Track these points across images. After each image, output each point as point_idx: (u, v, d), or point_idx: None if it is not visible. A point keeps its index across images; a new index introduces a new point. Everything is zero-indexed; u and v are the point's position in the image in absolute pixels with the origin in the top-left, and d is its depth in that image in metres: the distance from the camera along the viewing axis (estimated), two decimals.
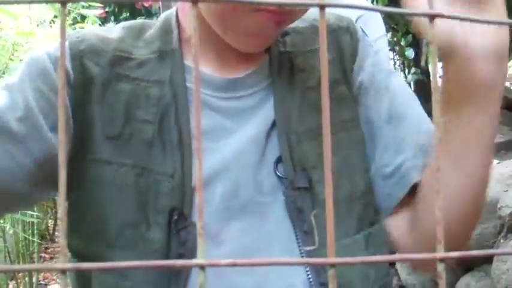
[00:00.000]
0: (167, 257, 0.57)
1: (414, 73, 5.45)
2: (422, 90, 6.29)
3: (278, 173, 0.62)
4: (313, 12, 0.70)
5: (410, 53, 5.08)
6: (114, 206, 0.59)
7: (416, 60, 5.69)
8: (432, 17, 0.22)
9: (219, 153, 0.61)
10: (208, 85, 0.64)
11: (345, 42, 0.69)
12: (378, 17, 1.32)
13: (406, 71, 5.06)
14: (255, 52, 0.64)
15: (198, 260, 0.19)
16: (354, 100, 0.68)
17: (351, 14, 1.13)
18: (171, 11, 0.67)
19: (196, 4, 0.21)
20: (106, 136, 0.60)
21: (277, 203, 0.61)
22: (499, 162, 2.88)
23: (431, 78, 0.21)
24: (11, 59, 2.75)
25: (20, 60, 2.79)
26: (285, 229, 0.61)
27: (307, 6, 0.21)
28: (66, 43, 0.61)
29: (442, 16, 0.23)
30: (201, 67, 0.64)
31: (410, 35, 4.55)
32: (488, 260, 2.04)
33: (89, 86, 0.61)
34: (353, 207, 0.63)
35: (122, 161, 0.60)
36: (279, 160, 0.62)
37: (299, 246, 0.60)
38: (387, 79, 0.69)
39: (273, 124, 0.63)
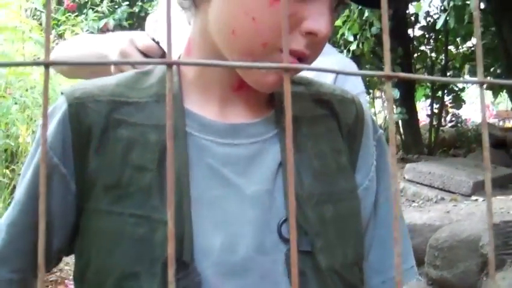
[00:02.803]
0: None
1: (400, 113, 5.58)
2: (408, 128, 6.40)
3: (283, 234, 0.61)
4: (316, 85, 0.71)
5: (395, 93, 5.18)
6: (113, 258, 0.59)
7: (401, 100, 5.82)
8: (388, 78, 0.24)
9: (218, 205, 0.61)
10: (209, 130, 0.63)
11: (349, 113, 0.70)
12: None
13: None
14: (269, 91, 0.64)
15: None
16: (352, 171, 0.69)
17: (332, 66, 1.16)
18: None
19: (171, 67, 0.23)
20: (105, 185, 0.60)
21: (278, 263, 0.61)
22: (483, 200, 2.90)
23: (389, 127, 0.23)
24: (3, 96, 2.76)
25: (13, 98, 2.82)
26: None
27: (273, 68, 0.23)
28: (63, 97, 0.63)
29: (396, 76, 0.25)
30: (204, 112, 0.64)
31: None
32: None
33: (87, 135, 0.61)
34: (345, 276, 0.63)
35: (121, 210, 0.59)
36: (283, 221, 0.61)
37: None
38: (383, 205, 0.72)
39: (275, 181, 0.63)
